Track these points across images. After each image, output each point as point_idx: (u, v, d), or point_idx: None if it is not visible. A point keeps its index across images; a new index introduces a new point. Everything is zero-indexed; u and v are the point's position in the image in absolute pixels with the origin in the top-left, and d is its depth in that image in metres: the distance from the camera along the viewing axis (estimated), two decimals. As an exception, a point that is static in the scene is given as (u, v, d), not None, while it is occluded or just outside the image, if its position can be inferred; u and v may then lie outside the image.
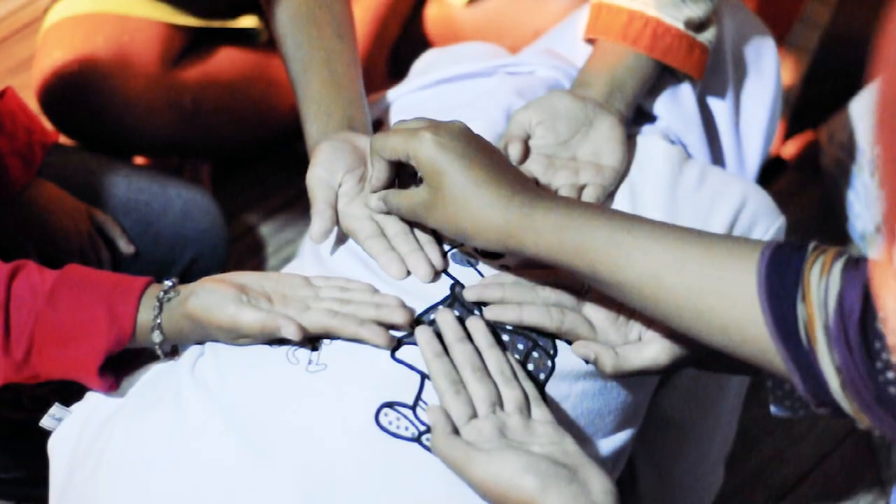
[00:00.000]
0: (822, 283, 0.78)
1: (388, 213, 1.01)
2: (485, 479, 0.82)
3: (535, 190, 0.92)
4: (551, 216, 0.89)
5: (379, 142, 0.97)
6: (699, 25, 1.19)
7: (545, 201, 0.90)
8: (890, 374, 0.75)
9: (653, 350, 0.94)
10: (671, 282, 0.84)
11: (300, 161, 1.12)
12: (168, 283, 0.99)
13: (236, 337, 0.95)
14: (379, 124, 1.29)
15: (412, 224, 1.03)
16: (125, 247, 1.39)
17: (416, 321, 0.95)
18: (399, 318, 0.93)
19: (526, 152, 1.12)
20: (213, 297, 0.94)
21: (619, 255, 0.86)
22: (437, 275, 0.99)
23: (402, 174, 1.03)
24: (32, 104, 1.41)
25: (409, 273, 1.00)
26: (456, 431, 0.86)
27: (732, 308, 0.82)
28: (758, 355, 0.82)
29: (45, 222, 1.31)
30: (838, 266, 0.78)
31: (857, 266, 0.78)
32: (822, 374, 0.78)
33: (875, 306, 0.75)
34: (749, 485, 1.62)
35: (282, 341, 0.95)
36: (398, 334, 0.94)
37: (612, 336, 0.97)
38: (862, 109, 1.78)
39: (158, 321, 0.97)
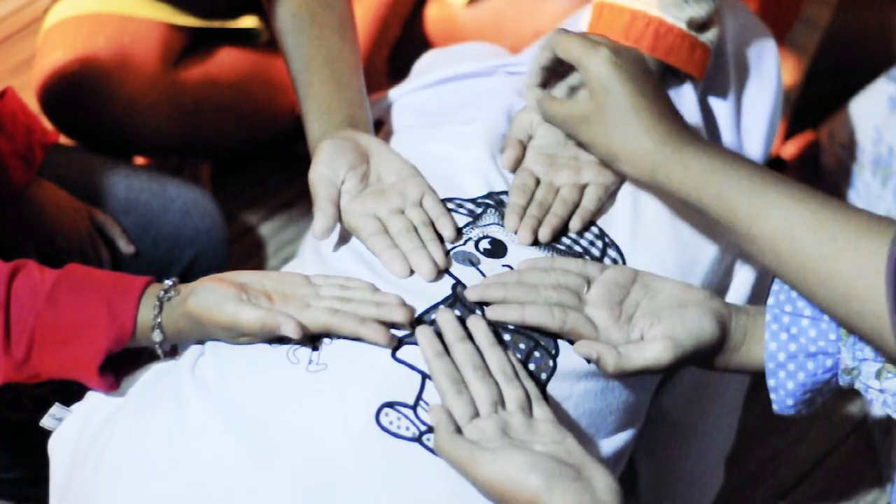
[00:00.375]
0: None
1: (541, 118, 1.03)
2: (489, 478, 0.82)
3: (690, 131, 0.95)
4: (702, 156, 0.92)
5: (558, 38, 0.98)
6: (701, 25, 1.19)
7: (700, 142, 0.93)
8: None
9: (655, 349, 0.94)
10: (806, 242, 0.86)
11: (300, 161, 1.12)
12: (168, 282, 0.99)
13: (236, 335, 0.94)
14: (380, 124, 1.29)
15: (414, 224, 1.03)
16: (125, 247, 1.39)
17: (418, 320, 0.95)
18: (399, 316, 0.93)
19: (522, 155, 1.12)
20: (213, 295, 0.94)
21: (760, 206, 0.88)
22: (440, 273, 0.99)
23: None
24: (33, 104, 1.40)
25: (412, 271, 1.00)
26: (458, 431, 0.86)
27: (860, 278, 0.83)
28: (873, 333, 0.84)
29: (46, 222, 1.31)
30: None
31: None
32: None
33: None
34: (749, 485, 1.62)
35: (282, 340, 0.95)
36: (399, 334, 0.94)
37: (615, 335, 0.96)
38: (862, 109, 1.78)
39: (158, 320, 0.96)
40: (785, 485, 1.63)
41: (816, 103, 1.93)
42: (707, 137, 1.27)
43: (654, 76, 0.97)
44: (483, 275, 1.00)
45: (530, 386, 0.91)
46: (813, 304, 0.90)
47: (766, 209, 0.89)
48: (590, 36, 0.99)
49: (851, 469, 1.64)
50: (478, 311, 0.97)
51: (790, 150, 1.96)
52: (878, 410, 1.65)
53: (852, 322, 0.86)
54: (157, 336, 0.97)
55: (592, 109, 0.96)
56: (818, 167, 1.90)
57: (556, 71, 1.05)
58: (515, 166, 1.11)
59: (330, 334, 0.94)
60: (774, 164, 1.93)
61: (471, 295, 0.97)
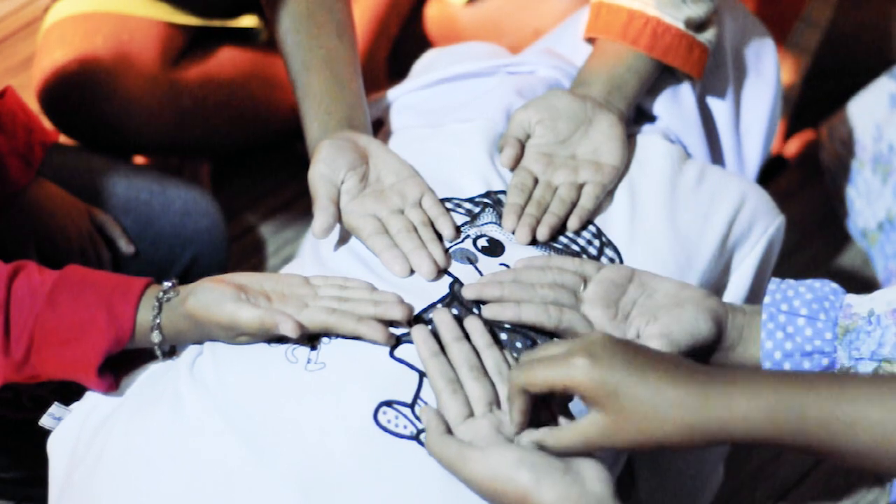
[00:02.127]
0: None
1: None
2: (479, 476, 0.82)
3: (721, 373, 0.83)
4: (758, 399, 0.80)
5: (523, 376, 0.84)
6: (699, 25, 1.19)
7: (742, 383, 0.82)
8: None
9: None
10: None
11: (300, 161, 1.12)
12: (167, 283, 0.99)
13: (235, 335, 0.95)
14: (379, 124, 1.29)
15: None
16: (125, 246, 1.39)
17: (416, 319, 0.95)
18: (398, 314, 0.93)
19: (521, 154, 1.12)
20: (212, 295, 0.95)
21: (840, 427, 0.79)
22: (440, 273, 1.00)
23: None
24: (32, 104, 1.41)
25: (412, 271, 1.00)
26: (449, 431, 0.86)
27: None
28: None
29: (46, 222, 1.31)
30: None
31: None
32: None
33: None
34: (749, 485, 1.62)
35: (281, 340, 0.95)
36: (397, 332, 0.94)
37: (611, 333, 0.96)
38: (863, 106, 1.78)
39: (158, 321, 0.97)
40: (785, 485, 1.62)
41: (817, 102, 1.93)
42: (706, 137, 1.27)
43: (631, 344, 0.85)
44: (480, 273, 1.01)
45: (527, 385, 0.90)
46: None
47: (848, 429, 0.79)
48: (548, 349, 0.86)
49: (851, 469, 1.64)
50: (475, 310, 0.97)
51: (790, 149, 1.96)
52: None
53: None
54: (156, 337, 0.97)
55: (612, 418, 0.83)
56: (818, 166, 1.90)
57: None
58: (515, 164, 1.12)
59: (328, 333, 0.94)
60: (775, 164, 1.93)
61: (467, 293, 0.97)
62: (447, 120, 1.18)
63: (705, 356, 0.98)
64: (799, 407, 0.80)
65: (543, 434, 0.86)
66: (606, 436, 0.83)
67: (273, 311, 0.93)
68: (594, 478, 0.81)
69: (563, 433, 0.85)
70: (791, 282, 0.97)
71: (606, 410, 0.82)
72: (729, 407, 0.81)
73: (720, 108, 1.29)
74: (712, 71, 1.27)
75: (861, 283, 1.78)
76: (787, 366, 0.96)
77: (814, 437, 0.80)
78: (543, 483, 0.80)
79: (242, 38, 1.74)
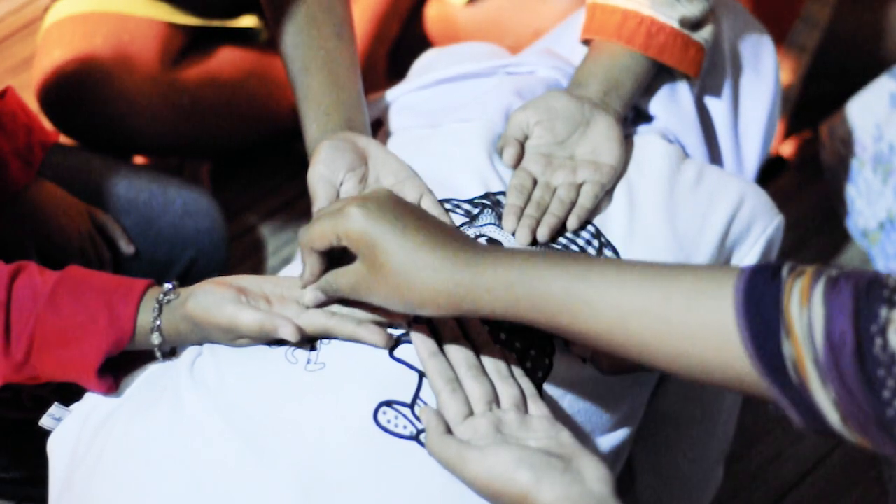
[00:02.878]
0: (804, 315, 0.74)
1: (328, 303, 0.94)
2: (479, 476, 0.82)
3: (477, 246, 0.86)
4: (500, 271, 0.83)
5: (306, 234, 0.90)
6: (695, 24, 1.19)
7: (491, 256, 0.84)
8: None
9: None
10: (637, 328, 0.80)
11: (300, 161, 1.12)
12: (168, 285, 0.99)
13: (235, 337, 0.95)
14: (379, 124, 1.29)
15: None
16: (126, 247, 1.39)
17: (416, 319, 0.95)
18: (396, 314, 0.94)
19: (521, 154, 1.12)
20: (212, 297, 0.95)
21: (578, 306, 0.81)
22: None
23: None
24: (32, 104, 1.41)
25: None
26: (449, 431, 0.86)
27: (707, 350, 0.78)
28: (746, 389, 0.78)
29: (46, 222, 1.31)
30: (818, 292, 0.74)
31: (836, 287, 0.74)
32: (818, 409, 0.74)
33: (873, 334, 0.71)
34: (749, 485, 1.62)
35: (280, 341, 0.95)
36: (397, 333, 0.94)
37: None
38: (864, 106, 1.78)
39: (158, 322, 0.97)
40: (785, 484, 1.62)
41: (816, 102, 1.93)
42: (704, 137, 1.27)
43: (411, 205, 0.88)
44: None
45: (526, 384, 0.91)
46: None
47: (587, 309, 0.81)
48: (333, 204, 0.92)
49: (851, 469, 1.64)
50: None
51: (790, 149, 1.96)
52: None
53: (724, 386, 0.80)
54: (156, 339, 0.97)
55: (369, 270, 0.86)
56: (818, 166, 1.90)
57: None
58: (517, 163, 1.12)
59: (329, 337, 0.94)
60: (774, 164, 1.93)
61: None
62: (446, 120, 1.18)
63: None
64: (540, 282, 0.82)
65: (321, 282, 0.91)
66: (365, 287, 0.87)
67: (273, 315, 0.93)
68: (594, 477, 0.81)
69: (337, 277, 0.90)
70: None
71: (366, 262, 0.86)
72: (475, 277, 0.83)
73: (718, 107, 1.29)
74: (710, 70, 1.27)
75: (861, 282, 1.78)
76: None
77: (554, 313, 0.82)
78: (543, 482, 0.80)
79: (242, 38, 1.74)
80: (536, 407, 0.89)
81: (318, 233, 0.88)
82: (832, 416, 0.74)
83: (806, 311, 0.74)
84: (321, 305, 0.94)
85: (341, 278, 0.90)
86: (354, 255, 0.88)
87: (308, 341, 0.95)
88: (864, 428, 0.73)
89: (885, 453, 0.74)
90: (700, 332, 0.78)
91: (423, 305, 0.85)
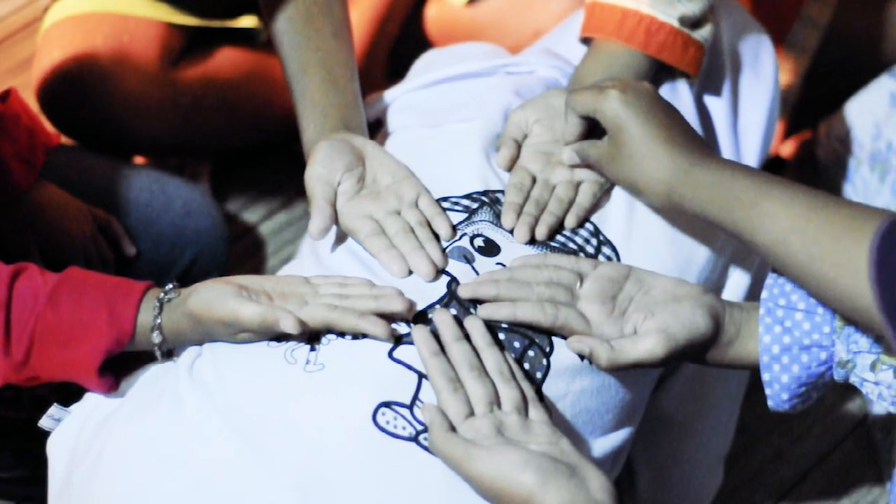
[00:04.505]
0: None
1: (581, 164, 1.08)
2: (483, 475, 0.82)
3: (702, 149, 0.98)
4: (707, 173, 0.95)
5: (572, 96, 1.04)
6: (694, 23, 1.19)
7: (705, 159, 0.97)
8: None
9: (649, 343, 0.94)
10: (795, 248, 0.89)
11: (300, 161, 1.12)
12: (169, 286, 0.99)
13: (236, 332, 0.95)
14: (378, 124, 1.29)
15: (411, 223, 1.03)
16: (127, 247, 1.39)
17: (416, 319, 0.96)
18: (398, 306, 0.94)
19: (517, 154, 1.12)
20: (213, 292, 0.95)
21: (755, 217, 0.91)
22: (438, 273, 1.00)
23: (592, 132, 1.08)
24: (32, 104, 1.41)
25: (410, 271, 1.00)
26: (452, 429, 0.86)
27: (843, 278, 0.85)
28: (870, 327, 0.86)
29: (48, 224, 1.31)
30: None
31: None
32: None
33: None
34: (749, 485, 1.62)
35: (280, 340, 0.95)
36: (398, 332, 0.94)
37: (608, 330, 0.97)
38: (862, 105, 1.78)
39: (158, 321, 0.97)
40: (785, 484, 1.62)
41: (816, 103, 1.93)
42: (704, 136, 1.27)
43: (665, 102, 1.02)
44: (477, 273, 1.01)
45: (526, 387, 0.91)
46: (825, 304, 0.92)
47: (760, 220, 0.91)
48: (601, 83, 1.04)
49: (852, 468, 1.64)
50: (472, 310, 0.97)
51: (789, 149, 1.96)
52: (876, 406, 1.65)
53: (851, 318, 0.88)
54: (156, 338, 0.97)
55: (614, 148, 1.01)
56: (817, 165, 1.90)
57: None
58: (511, 164, 1.12)
59: (329, 331, 0.94)
60: (774, 164, 1.93)
61: (463, 293, 0.97)
62: (446, 120, 1.18)
63: (703, 352, 0.98)
64: (735, 187, 0.94)
65: (580, 144, 1.06)
66: (607, 161, 1.03)
67: (274, 308, 0.93)
68: (599, 487, 0.82)
69: (590, 147, 1.05)
70: (789, 277, 0.98)
71: (613, 140, 1.02)
72: (688, 175, 0.97)
73: (718, 107, 1.29)
74: (709, 70, 1.27)
75: (861, 282, 1.78)
76: (785, 360, 0.96)
77: (739, 218, 0.93)
78: (549, 486, 0.80)
79: (242, 38, 1.74)
80: (536, 412, 0.89)
81: (581, 100, 1.03)
82: None
83: None
84: (574, 166, 1.09)
85: (592, 148, 1.05)
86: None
87: (308, 340, 0.95)
88: None
89: None
90: (840, 260, 0.85)
91: (644, 189, 1.00)
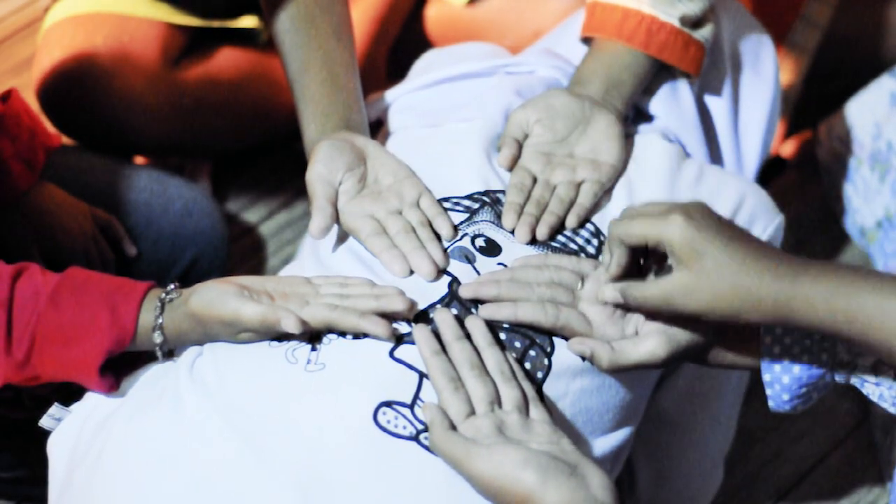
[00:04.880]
0: None
1: (623, 307, 0.96)
2: (484, 473, 0.82)
3: (795, 258, 0.89)
4: (820, 284, 0.86)
5: (622, 227, 0.91)
6: (695, 23, 1.19)
7: (811, 268, 0.88)
8: None
9: (650, 344, 0.94)
10: None
11: (300, 161, 1.12)
12: (171, 286, 0.99)
13: (237, 331, 0.95)
14: (378, 124, 1.29)
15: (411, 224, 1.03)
16: (128, 247, 1.39)
17: (416, 318, 0.96)
18: (399, 305, 0.94)
19: (519, 154, 1.12)
20: (214, 292, 0.95)
21: (891, 322, 0.84)
22: (439, 273, 1.00)
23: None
24: (32, 104, 1.41)
25: (412, 271, 1.00)
26: (453, 428, 0.86)
27: None
28: None
29: (49, 224, 1.31)
30: None
31: None
32: None
33: None
34: (749, 485, 1.62)
35: (281, 340, 0.95)
36: (399, 332, 0.94)
37: (609, 331, 0.97)
38: (863, 105, 1.78)
39: (160, 321, 0.97)
40: (785, 484, 1.62)
41: (816, 103, 1.93)
42: (704, 137, 1.27)
43: (725, 218, 0.92)
44: (479, 273, 1.01)
45: (527, 387, 0.91)
46: None
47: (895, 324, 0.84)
48: (650, 207, 0.93)
49: (852, 468, 1.64)
50: (473, 310, 0.97)
51: (790, 149, 1.96)
52: (876, 406, 1.65)
53: None
54: (157, 338, 0.97)
55: (694, 277, 0.88)
56: (817, 165, 1.90)
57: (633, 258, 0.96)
58: (512, 164, 1.12)
59: (330, 330, 0.95)
60: (774, 163, 1.93)
61: (464, 293, 0.97)
62: (446, 120, 1.19)
63: (704, 353, 0.98)
64: (857, 295, 0.85)
65: (628, 285, 0.93)
66: (685, 294, 0.89)
67: (275, 308, 0.93)
68: (599, 485, 0.82)
69: (647, 287, 0.91)
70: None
71: (691, 269, 0.88)
72: (795, 286, 0.86)
73: (718, 107, 1.29)
74: (710, 70, 1.27)
75: (861, 282, 1.78)
76: (785, 361, 0.96)
77: (868, 326, 0.85)
78: (549, 484, 0.80)
79: (242, 38, 1.74)
80: (537, 411, 0.89)
81: (639, 231, 0.90)
82: None
83: None
84: (618, 307, 0.96)
85: (653, 288, 0.91)
86: None
87: (308, 340, 0.95)
88: None
89: None
90: None
91: (746, 312, 0.88)
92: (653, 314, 0.96)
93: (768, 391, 0.98)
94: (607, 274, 0.94)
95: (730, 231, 0.89)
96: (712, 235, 0.88)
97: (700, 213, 0.89)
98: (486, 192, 1.09)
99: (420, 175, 1.09)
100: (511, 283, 0.97)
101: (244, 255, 1.83)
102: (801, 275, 0.87)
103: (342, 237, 1.07)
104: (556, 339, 0.97)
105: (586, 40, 1.24)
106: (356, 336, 0.94)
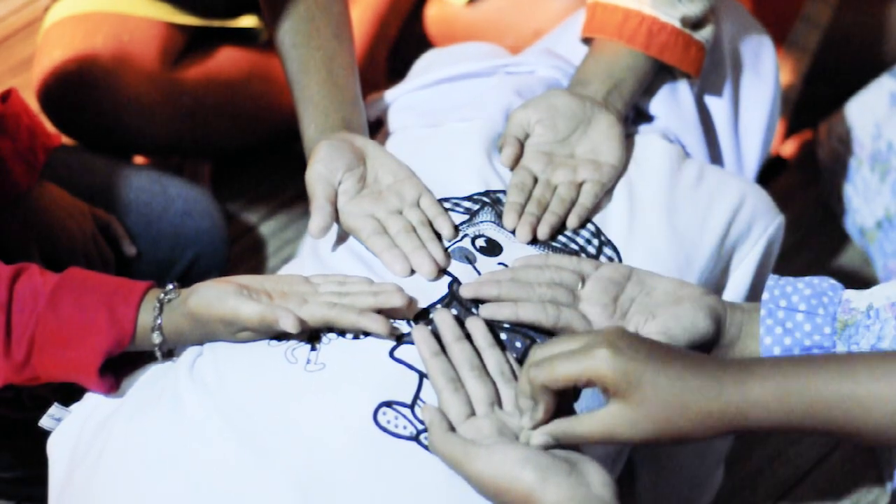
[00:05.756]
0: None
1: (556, 447, 0.87)
2: (483, 473, 0.82)
3: (734, 362, 0.84)
4: (770, 384, 0.82)
5: (545, 373, 0.83)
6: (696, 24, 1.19)
7: (756, 368, 0.83)
8: None
9: None
10: None
11: (300, 161, 1.12)
12: (170, 286, 0.99)
13: (236, 330, 0.95)
14: (378, 124, 1.29)
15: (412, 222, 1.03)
16: (127, 248, 1.39)
17: (416, 318, 0.96)
18: (398, 301, 0.94)
19: (520, 153, 1.12)
20: (213, 292, 0.95)
21: (852, 407, 0.81)
22: (440, 272, 1.00)
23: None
24: (32, 104, 1.41)
25: (412, 270, 1.00)
26: (452, 429, 0.86)
27: None
28: None
29: (49, 224, 1.32)
30: None
31: None
32: None
33: None
34: (749, 485, 1.62)
35: (281, 339, 0.95)
36: (399, 331, 0.94)
37: None
38: (863, 105, 1.78)
39: (159, 321, 0.97)
40: (785, 484, 1.62)
41: (816, 102, 1.93)
42: (704, 137, 1.27)
43: (652, 340, 0.86)
44: (479, 273, 1.01)
45: (527, 387, 0.91)
46: None
47: (860, 409, 0.81)
48: (563, 343, 0.85)
49: (851, 469, 1.64)
50: (474, 310, 0.97)
51: (790, 149, 1.96)
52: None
53: None
54: (156, 338, 0.97)
55: (631, 409, 0.82)
56: (817, 165, 1.90)
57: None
58: (514, 163, 1.12)
59: (330, 330, 0.95)
60: (774, 164, 1.93)
61: (464, 292, 0.97)
62: (446, 120, 1.19)
63: (705, 353, 0.98)
64: (810, 389, 0.81)
65: (563, 425, 0.85)
66: (629, 426, 0.83)
67: (274, 307, 0.93)
68: (599, 482, 0.81)
69: (583, 423, 0.84)
70: (789, 278, 0.97)
71: (629, 401, 0.82)
72: (744, 392, 0.81)
73: (719, 107, 1.29)
74: (710, 70, 1.27)
75: (861, 282, 1.77)
76: None
77: (827, 417, 0.81)
78: (549, 483, 0.80)
79: (242, 38, 1.74)
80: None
81: (563, 374, 0.82)
82: None
83: None
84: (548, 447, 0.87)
85: (589, 424, 0.84)
86: None
87: (308, 340, 0.95)
88: None
89: None
90: None
91: (693, 431, 0.82)
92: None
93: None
94: (531, 421, 0.85)
95: (660, 351, 0.83)
96: (646, 362, 0.82)
97: (623, 340, 0.83)
98: (486, 193, 1.09)
99: (420, 175, 1.09)
100: (512, 283, 0.97)
101: (244, 255, 1.83)
102: (747, 380, 0.82)
103: (342, 237, 1.07)
104: (556, 340, 0.97)
105: (587, 41, 1.24)
106: (356, 335, 0.94)
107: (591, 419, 0.84)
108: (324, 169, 1.06)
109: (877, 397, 0.80)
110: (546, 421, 0.85)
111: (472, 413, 0.88)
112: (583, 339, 0.84)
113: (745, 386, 0.82)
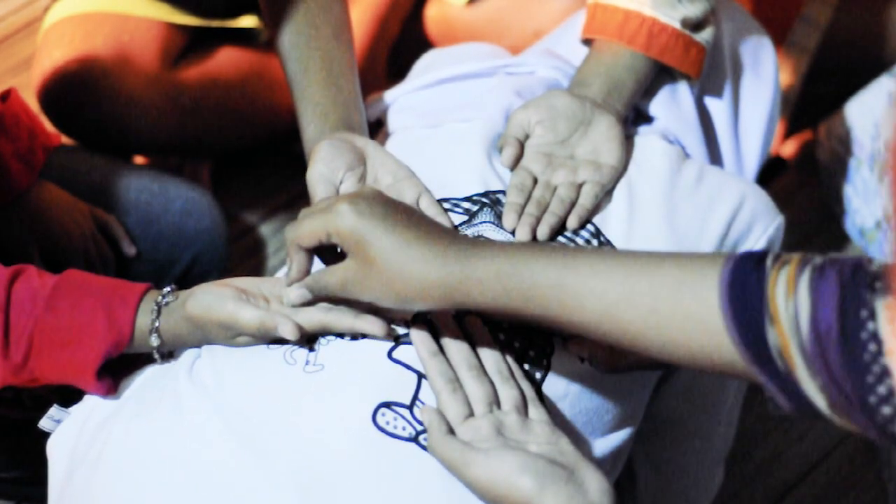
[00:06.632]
0: (789, 305, 0.74)
1: (314, 301, 0.93)
2: (481, 479, 0.82)
3: (468, 240, 0.87)
4: (490, 263, 0.84)
5: (294, 231, 0.90)
6: (696, 25, 1.19)
7: (482, 248, 0.85)
8: (882, 389, 0.72)
9: None
10: (626, 318, 0.81)
11: (300, 161, 1.12)
12: (167, 288, 0.99)
13: (235, 335, 0.95)
14: (378, 124, 1.29)
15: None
16: (127, 247, 1.39)
17: (415, 319, 0.96)
18: (395, 313, 0.93)
19: (521, 153, 1.12)
20: (211, 295, 0.95)
21: (567, 297, 0.82)
22: None
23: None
24: (32, 104, 1.41)
25: None
26: (451, 431, 0.86)
27: (696, 338, 0.79)
28: (739, 375, 0.79)
29: (48, 224, 1.32)
30: (804, 281, 0.74)
31: (822, 275, 0.74)
32: (806, 395, 0.75)
33: (861, 320, 0.72)
34: (749, 485, 1.62)
35: (279, 342, 0.95)
36: (396, 333, 0.94)
37: None
38: (862, 105, 1.78)
39: (156, 324, 0.97)
40: (785, 485, 1.62)
41: (816, 103, 1.93)
42: (704, 138, 1.27)
43: (399, 203, 0.89)
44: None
45: (526, 387, 0.91)
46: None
47: (575, 299, 0.82)
48: (321, 203, 0.91)
49: (851, 469, 1.64)
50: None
51: (790, 149, 1.96)
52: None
53: (712, 371, 0.81)
54: (154, 341, 0.97)
55: (362, 266, 0.86)
56: (817, 165, 1.90)
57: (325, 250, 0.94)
58: (515, 164, 1.12)
59: (328, 333, 0.94)
60: (774, 164, 1.93)
61: None
62: (446, 120, 1.18)
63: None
64: (530, 273, 0.83)
65: (307, 281, 0.91)
66: (356, 284, 0.87)
67: (273, 313, 0.93)
68: (597, 490, 0.81)
69: (324, 276, 0.90)
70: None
71: (357, 258, 0.86)
72: (464, 268, 0.84)
73: (718, 108, 1.29)
74: (710, 71, 1.27)
75: (861, 283, 1.78)
76: None
77: (543, 304, 0.83)
78: (547, 491, 0.80)
79: (242, 38, 1.74)
80: (536, 411, 0.89)
81: (308, 230, 0.88)
82: (819, 401, 0.75)
83: (792, 300, 0.74)
84: (307, 304, 0.94)
85: (330, 276, 0.89)
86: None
87: (307, 341, 0.95)
88: (849, 413, 0.74)
89: (869, 437, 0.75)
90: (688, 321, 0.79)
91: (416, 299, 0.86)
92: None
93: (768, 392, 0.98)
94: (287, 280, 0.92)
95: (398, 216, 0.86)
96: (378, 222, 0.85)
97: (367, 201, 0.87)
98: (485, 194, 1.09)
99: (419, 175, 1.09)
100: None
101: (244, 255, 1.83)
102: (471, 257, 0.84)
103: (342, 237, 1.07)
104: (555, 340, 0.97)
105: (587, 41, 1.24)
106: (354, 336, 0.94)
107: (334, 272, 0.88)
108: (325, 169, 1.06)
109: (591, 290, 0.81)
110: (298, 278, 0.91)
111: (471, 413, 0.87)
112: (335, 198, 0.89)
113: (468, 262, 0.84)
